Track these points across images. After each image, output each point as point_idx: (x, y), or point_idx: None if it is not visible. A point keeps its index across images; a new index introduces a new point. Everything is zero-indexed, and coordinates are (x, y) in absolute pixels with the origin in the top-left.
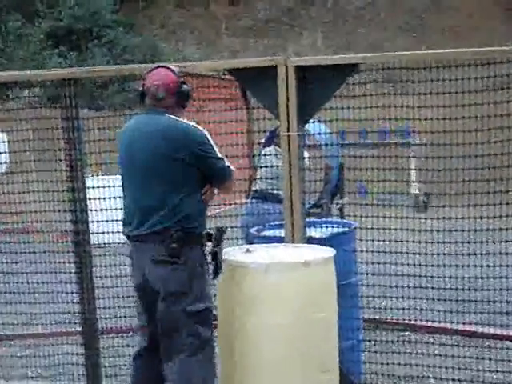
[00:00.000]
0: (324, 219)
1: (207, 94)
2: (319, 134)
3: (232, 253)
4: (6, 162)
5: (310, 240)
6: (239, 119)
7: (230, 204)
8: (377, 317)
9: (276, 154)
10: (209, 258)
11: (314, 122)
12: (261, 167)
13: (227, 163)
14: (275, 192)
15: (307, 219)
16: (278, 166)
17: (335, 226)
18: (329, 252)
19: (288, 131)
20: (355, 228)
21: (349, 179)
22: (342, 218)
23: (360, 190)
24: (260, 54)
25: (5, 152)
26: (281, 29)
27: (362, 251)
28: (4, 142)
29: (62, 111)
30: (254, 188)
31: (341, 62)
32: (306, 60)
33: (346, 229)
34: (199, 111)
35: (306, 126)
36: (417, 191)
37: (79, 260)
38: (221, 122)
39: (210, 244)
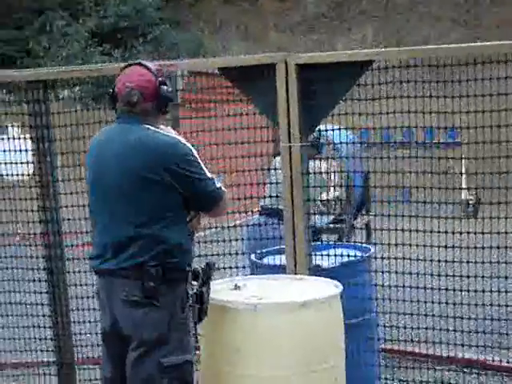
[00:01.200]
0: (339, 242)
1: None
2: (340, 143)
3: (217, 289)
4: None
5: (317, 270)
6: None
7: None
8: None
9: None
10: (192, 299)
11: (339, 128)
12: (270, 183)
13: (218, 184)
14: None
15: (316, 242)
16: None
17: (350, 250)
18: (335, 288)
19: (289, 141)
20: (371, 254)
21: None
22: (369, 235)
23: (403, 198)
24: (308, 50)
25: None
26: (330, 24)
27: (388, 272)
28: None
29: None
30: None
31: (350, 59)
32: (309, 57)
33: (362, 255)
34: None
35: (328, 132)
36: (467, 197)
37: (51, 278)
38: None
39: (195, 283)
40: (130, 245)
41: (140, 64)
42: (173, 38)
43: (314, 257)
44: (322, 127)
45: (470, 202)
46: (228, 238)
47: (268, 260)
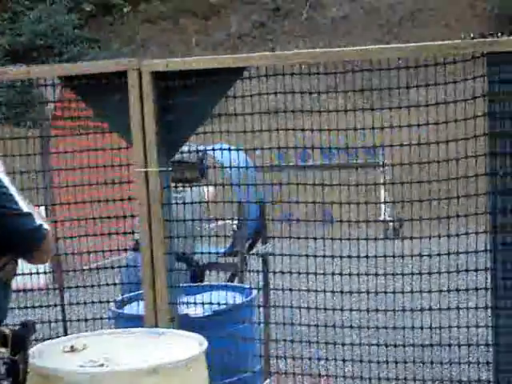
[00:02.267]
0: (231, 279)
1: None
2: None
3: (46, 352)
4: None
5: (185, 320)
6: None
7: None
8: None
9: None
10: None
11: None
12: None
13: (38, 221)
14: None
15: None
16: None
17: (231, 292)
18: (199, 346)
19: (146, 165)
20: (253, 297)
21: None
22: (267, 270)
23: (325, 218)
24: None
25: None
26: (253, 43)
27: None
28: None
29: None
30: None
31: (217, 66)
32: (168, 63)
33: (243, 300)
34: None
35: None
36: (388, 217)
37: None
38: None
39: (3, 350)
40: None
41: None
42: (91, 57)
43: (185, 303)
44: (207, 147)
45: (392, 223)
46: (90, 283)
47: (128, 309)
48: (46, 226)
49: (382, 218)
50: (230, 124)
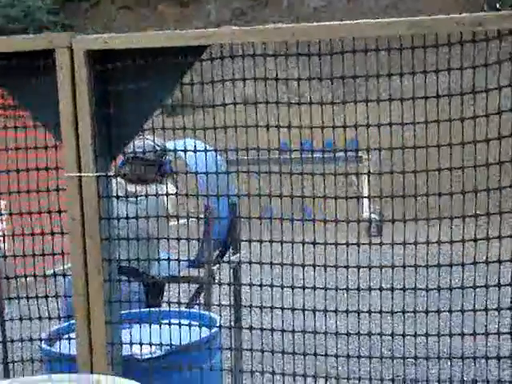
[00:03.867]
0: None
1: None
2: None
3: None
4: None
5: (130, 362)
6: None
7: None
8: None
9: (119, 197)
10: None
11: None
12: None
13: None
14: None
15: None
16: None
17: (191, 320)
18: None
19: (79, 170)
20: (218, 328)
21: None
22: (238, 281)
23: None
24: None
25: None
26: None
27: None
28: None
29: None
30: None
31: (173, 44)
32: (109, 39)
33: (207, 333)
34: None
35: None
36: (370, 215)
37: None
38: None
39: None
40: None
41: None
42: None
43: (127, 343)
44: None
45: (373, 220)
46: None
47: (60, 346)
48: None
49: (364, 215)
50: (197, 116)
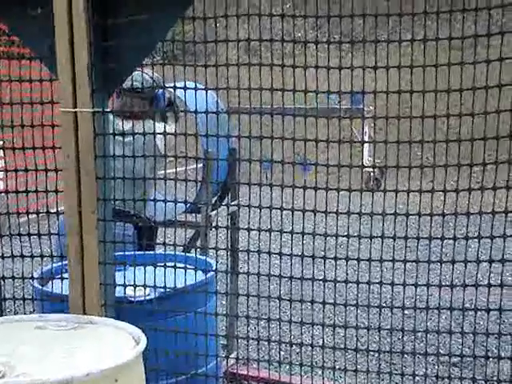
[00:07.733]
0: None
1: None
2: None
3: None
4: None
5: (124, 304)
6: None
7: None
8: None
9: (115, 135)
10: None
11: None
12: None
13: None
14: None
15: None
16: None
17: (186, 263)
18: (133, 344)
19: (75, 105)
20: (215, 272)
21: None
22: (236, 229)
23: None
24: None
25: None
26: None
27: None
28: None
29: None
30: None
31: None
32: None
33: (202, 277)
34: None
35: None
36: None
37: None
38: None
39: None
40: None
41: None
42: None
43: (122, 285)
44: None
45: (372, 174)
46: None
47: (53, 286)
48: None
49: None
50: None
